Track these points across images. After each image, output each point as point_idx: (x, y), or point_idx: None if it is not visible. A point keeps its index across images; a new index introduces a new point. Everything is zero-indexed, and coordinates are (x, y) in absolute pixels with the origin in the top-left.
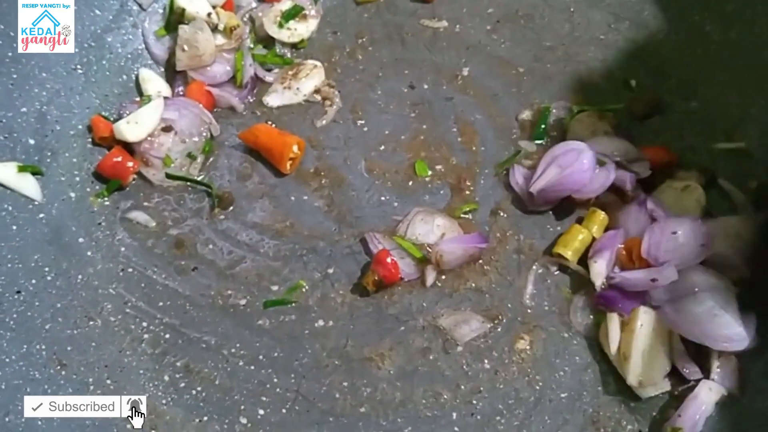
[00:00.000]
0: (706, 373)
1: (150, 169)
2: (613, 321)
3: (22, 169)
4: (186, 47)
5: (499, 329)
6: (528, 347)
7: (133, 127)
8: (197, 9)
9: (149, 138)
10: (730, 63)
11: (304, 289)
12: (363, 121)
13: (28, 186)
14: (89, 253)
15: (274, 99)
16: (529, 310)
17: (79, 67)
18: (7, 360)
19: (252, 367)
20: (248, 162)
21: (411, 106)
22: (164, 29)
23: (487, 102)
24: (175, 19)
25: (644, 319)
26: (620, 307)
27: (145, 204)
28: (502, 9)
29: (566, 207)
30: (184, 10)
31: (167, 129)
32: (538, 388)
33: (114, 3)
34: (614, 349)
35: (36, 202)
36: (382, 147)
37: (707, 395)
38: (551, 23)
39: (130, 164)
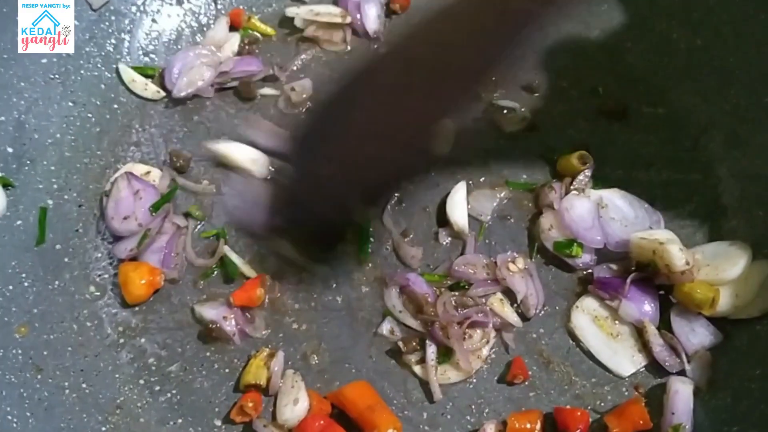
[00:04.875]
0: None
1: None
2: None
3: None
4: None
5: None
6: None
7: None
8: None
9: None
10: (696, 70)
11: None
12: None
13: None
14: (66, 260)
15: None
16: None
17: (57, 76)
18: None
19: (227, 370)
20: None
21: None
22: None
23: None
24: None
25: None
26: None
27: None
28: None
29: None
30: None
31: None
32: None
33: (92, 14)
34: None
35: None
36: None
37: (685, 388)
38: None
39: None
